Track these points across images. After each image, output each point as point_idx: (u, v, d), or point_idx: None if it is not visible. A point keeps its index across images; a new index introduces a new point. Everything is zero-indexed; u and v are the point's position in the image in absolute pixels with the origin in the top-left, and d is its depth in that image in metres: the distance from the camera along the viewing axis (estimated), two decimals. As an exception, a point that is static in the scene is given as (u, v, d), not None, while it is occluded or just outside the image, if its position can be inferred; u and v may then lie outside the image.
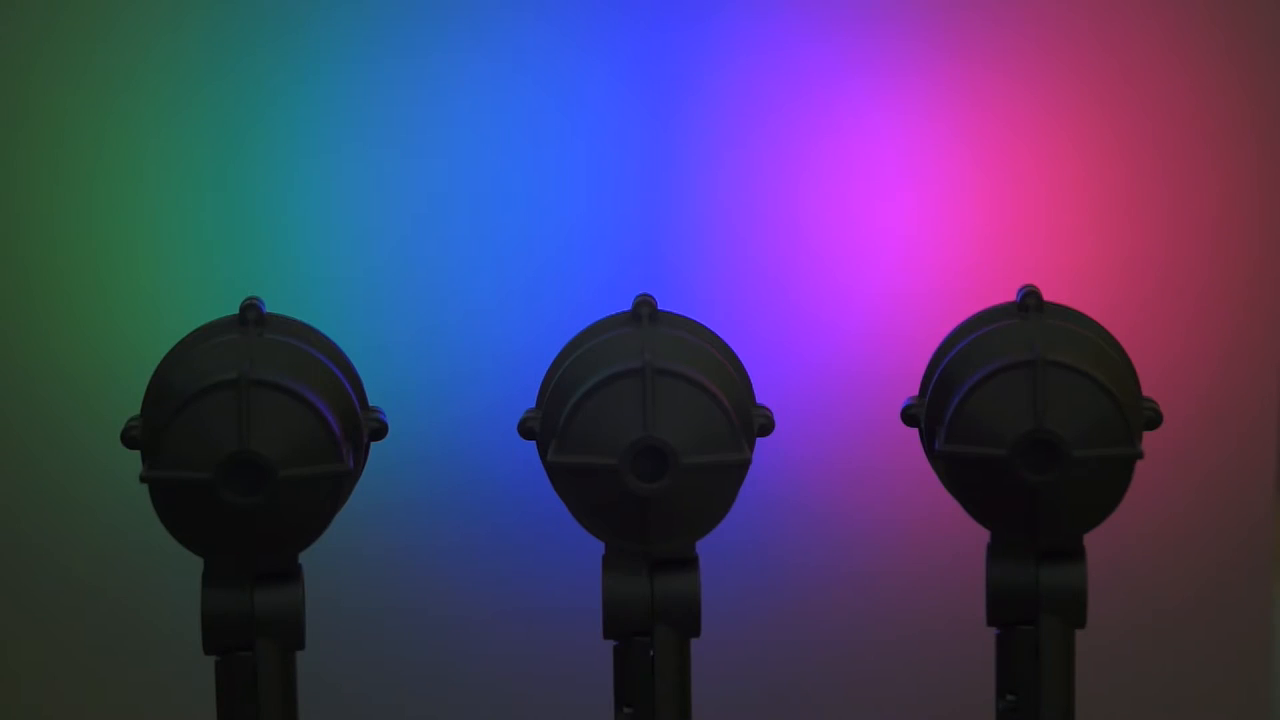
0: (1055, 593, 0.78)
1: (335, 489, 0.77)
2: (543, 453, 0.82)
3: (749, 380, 0.86)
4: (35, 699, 1.28)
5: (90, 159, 1.25)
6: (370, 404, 0.86)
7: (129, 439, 0.79)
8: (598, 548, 0.82)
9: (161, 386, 0.81)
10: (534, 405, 0.85)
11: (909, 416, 0.85)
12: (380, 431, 0.84)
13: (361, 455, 0.83)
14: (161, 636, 1.24)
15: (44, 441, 1.14)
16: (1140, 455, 0.77)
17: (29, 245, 1.24)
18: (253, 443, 0.74)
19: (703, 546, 0.82)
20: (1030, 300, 0.84)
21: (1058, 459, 0.75)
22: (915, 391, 0.86)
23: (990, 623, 0.79)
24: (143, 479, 0.75)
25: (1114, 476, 0.78)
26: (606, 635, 0.81)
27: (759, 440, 0.84)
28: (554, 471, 0.80)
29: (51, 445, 1.17)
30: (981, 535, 0.82)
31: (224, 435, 0.74)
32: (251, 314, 0.83)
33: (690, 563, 0.81)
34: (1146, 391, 0.85)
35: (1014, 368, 0.78)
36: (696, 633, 0.81)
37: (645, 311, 0.85)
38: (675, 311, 0.87)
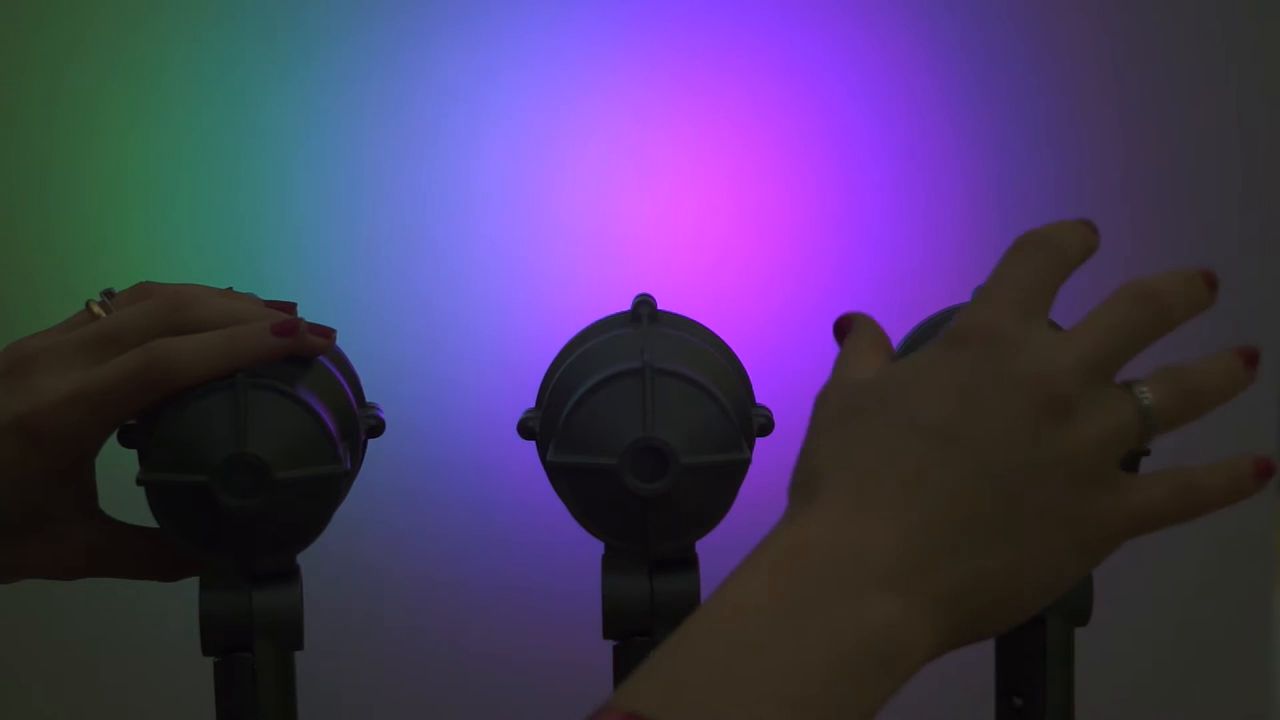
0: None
1: (333, 489, 0.77)
2: (542, 453, 0.82)
3: (749, 380, 0.86)
4: (35, 699, 1.28)
5: (88, 156, 1.24)
6: (367, 401, 0.86)
7: (125, 438, 0.79)
8: (597, 548, 0.82)
9: None
10: (534, 405, 0.85)
11: None
12: (377, 429, 0.84)
13: (359, 453, 0.83)
14: (161, 636, 1.24)
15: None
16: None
17: (27, 241, 1.24)
18: (250, 445, 0.74)
19: (703, 546, 0.82)
20: None
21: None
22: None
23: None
24: (139, 481, 0.75)
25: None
26: (606, 635, 0.81)
27: (759, 440, 0.83)
28: (553, 471, 0.80)
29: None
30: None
31: (221, 437, 0.74)
32: None
33: (690, 563, 0.81)
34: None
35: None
36: (696, 633, 0.81)
37: (645, 311, 0.85)
38: (675, 311, 0.87)
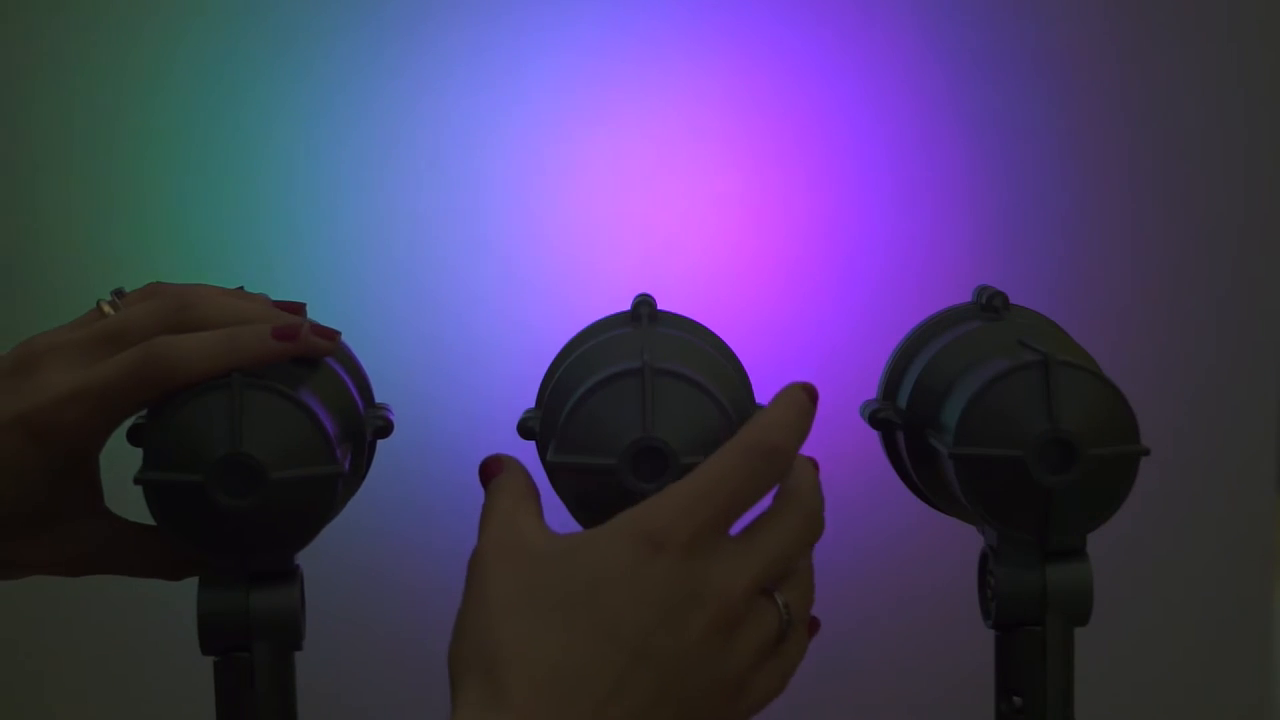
0: (1062, 592, 0.78)
1: (329, 490, 0.76)
2: (542, 453, 0.82)
3: (749, 380, 0.86)
4: (36, 698, 1.28)
5: (96, 157, 1.24)
6: (377, 401, 0.86)
7: (133, 436, 0.79)
8: (597, 548, 0.81)
9: None
10: (534, 405, 0.85)
11: (878, 420, 0.85)
12: (384, 430, 0.83)
13: (363, 455, 0.83)
14: (162, 636, 1.24)
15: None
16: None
17: (35, 241, 1.24)
18: (244, 445, 0.74)
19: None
20: (997, 301, 0.85)
21: (1073, 459, 0.75)
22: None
23: (996, 625, 0.79)
24: (136, 480, 0.75)
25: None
26: (606, 635, 0.81)
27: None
28: (553, 471, 0.80)
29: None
30: (974, 534, 0.83)
31: (216, 437, 0.74)
32: None
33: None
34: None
35: (1025, 368, 0.77)
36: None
37: (645, 311, 0.85)
38: (675, 311, 0.87)
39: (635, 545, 0.67)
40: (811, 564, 0.72)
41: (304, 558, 0.79)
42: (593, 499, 0.78)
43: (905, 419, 0.84)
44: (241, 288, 0.83)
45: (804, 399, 0.71)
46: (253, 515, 0.74)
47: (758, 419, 0.70)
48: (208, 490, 0.74)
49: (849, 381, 1.20)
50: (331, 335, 0.81)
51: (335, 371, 0.82)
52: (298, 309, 0.82)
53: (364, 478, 0.85)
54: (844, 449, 1.23)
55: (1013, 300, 0.86)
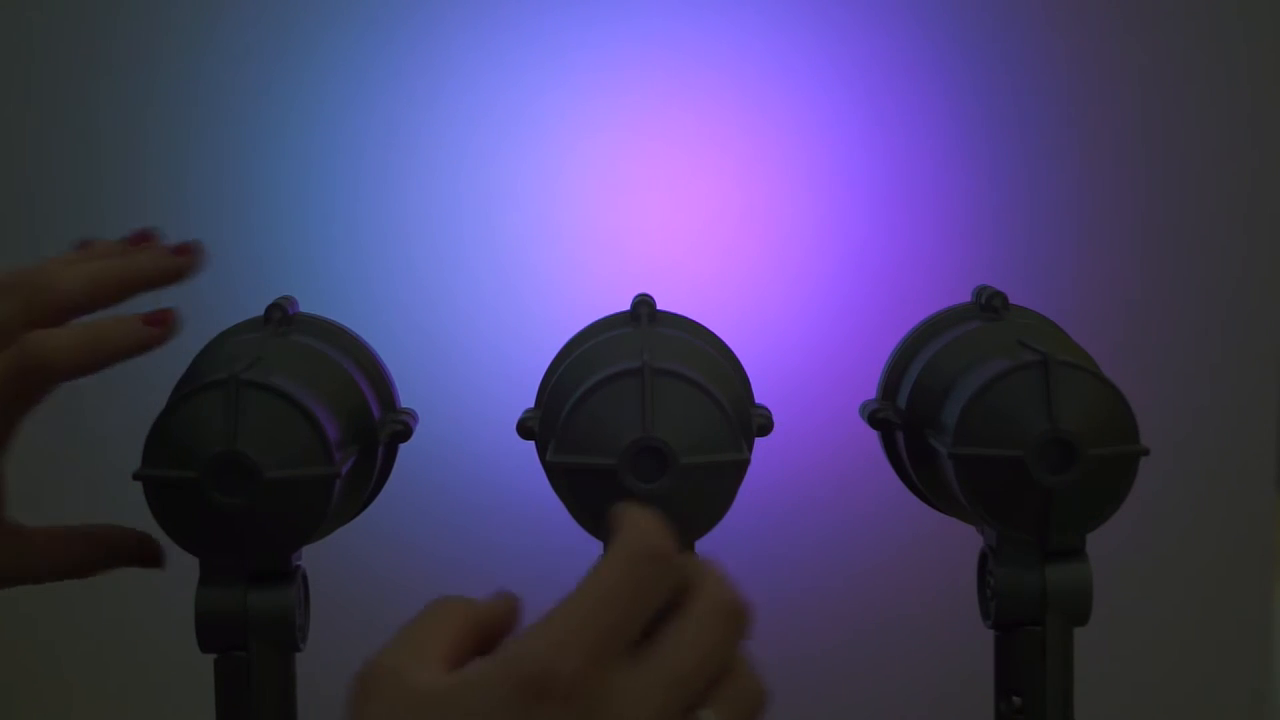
0: (1062, 592, 0.78)
1: (324, 492, 0.76)
2: (541, 453, 0.82)
3: (748, 380, 0.86)
4: (35, 698, 1.28)
5: (103, 160, 1.24)
6: (402, 406, 0.86)
7: None
8: (597, 548, 0.82)
9: (179, 384, 0.82)
10: (534, 405, 0.85)
11: (878, 420, 0.85)
12: (402, 435, 0.83)
13: (373, 458, 0.83)
14: (162, 635, 1.24)
15: (50, 437, 1.14)
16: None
17: (45, 241, 1.24)
18: (239, 443, 0.74)
19: (702, 546, 0.82)
20: (996, 301, 0.85)
21: (1073, 459, 0.75)
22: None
23: (996, 625, 0.79)
24: (135, 476, 0.76)
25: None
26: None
27: (758, 440, 0.83)
28: (552, 471, 0.80)
29: (63, 441, 1.18)
30: (974, 534, 0.82)
31: (212, 435, 0.74)
32: (275, 314, 0.84)
33: (689, 563, 0.81)
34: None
35: (1025, 368, 0.77)
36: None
37: (644, 311, 0.85)
38: (675, 311, 0.87)
39: (515, 693, 0.57)
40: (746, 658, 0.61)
41: (303, 559, 0.80)
42: (592, 499, 0.78)
43: (905, 419, 0.84)
44: (284, 298, 0.84)
45: (645, 509, 0.62)
46: (247, 514, 0.74)
47: (627, 528, 0.61)
48: (202, 488, 0.74)
49: (849, 381, 1.20)
50: (184, 250, 0.83)
51: (348, 374, 0.82)
52: (147, 238, 0.84)
53: (383, 481, 0.85)
54: (843, 449, 1.23)
55: (1013, 300, 0.86)
